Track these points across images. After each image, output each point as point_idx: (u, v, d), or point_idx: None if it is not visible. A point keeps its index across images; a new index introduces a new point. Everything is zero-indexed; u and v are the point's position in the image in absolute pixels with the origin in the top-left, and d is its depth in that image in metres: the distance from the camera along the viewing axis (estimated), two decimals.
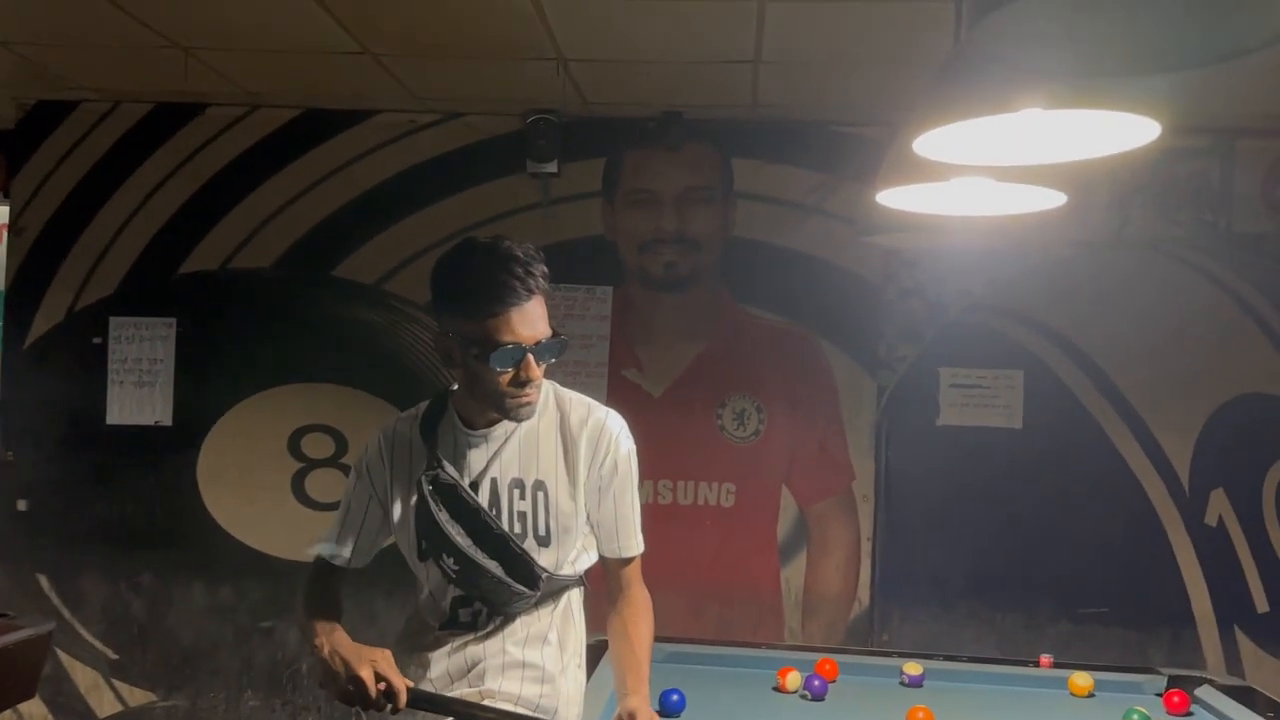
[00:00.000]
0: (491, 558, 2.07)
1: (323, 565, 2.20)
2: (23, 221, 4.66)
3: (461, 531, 2.06)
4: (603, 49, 3.75)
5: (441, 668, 2.13)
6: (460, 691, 2.10)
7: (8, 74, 4.26)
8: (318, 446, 4.58)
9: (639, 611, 2.18)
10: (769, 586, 4.51)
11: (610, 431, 2.15)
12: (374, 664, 1.95)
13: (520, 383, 1.99)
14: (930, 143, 1.88)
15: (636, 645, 2.13)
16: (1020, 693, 3.00)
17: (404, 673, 2.06)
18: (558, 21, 3.47)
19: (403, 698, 1.96)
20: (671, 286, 4.58)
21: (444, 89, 4.28)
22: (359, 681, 1.94)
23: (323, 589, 2.17)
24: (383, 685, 1.95)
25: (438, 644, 2.15)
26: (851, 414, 4.51)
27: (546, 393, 2.13)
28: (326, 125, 4.61)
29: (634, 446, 2.19)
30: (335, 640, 2.01)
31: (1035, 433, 4.48)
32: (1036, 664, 3.17)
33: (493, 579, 2.07)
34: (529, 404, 2.04)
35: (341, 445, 4.56)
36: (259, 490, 4.58)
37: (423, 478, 2.08)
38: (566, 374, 2.18)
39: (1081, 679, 3.00)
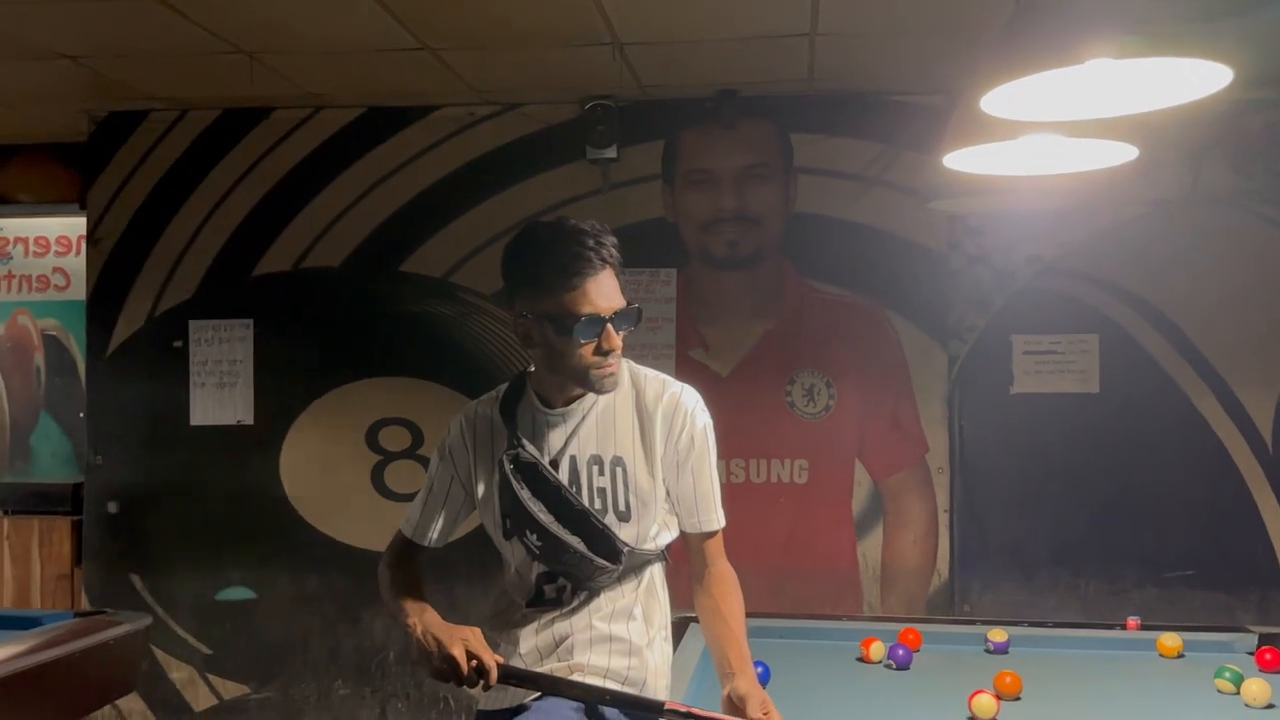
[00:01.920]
0: (574, 534, 2.10)
1: (405, 544, 2.25)
2: (100, 232, 4.79)
3: (544, 508, 2.10)
4: (657, 30, 3.76)
5: (531, 644, 2.17)
6: (550, 667, 2.13)
7: (79, 88, 4.38)
8: (395, 439, 4.66)
9: (728, 588, 2.18)
10: (846, 562, 4.50)
11: (685, 406, 2.16)
12: (465, 642, 2.01)
13: (603, 352, 2.03)
14: (997, 100, 1.87)
15: (732, 622, 2.14)
16: (1109, 656, 2.97)
17: (495, 650, 2.10)
18: (612, 5, 3.48)
19: (494, 674, 2.01)
20: (735, 265, 4.58)
21: (502, 80, 4.32)
22: (452, 660, 1.99)
23: (408, 568, 2.23)
24: (474, 663, 2.00)
25: (526, 621, 2.19)
26: (923, 385, 4.48)
27: (622, 370, 2.15)
28: (389, 123, 4.68)
29: (710, 420, 2.20)
30: (427, 620, 2.06)
31: (1113, 396, 4.42)
32: (1124, 627, 3.13)
33: (575, 554, 2.10)
34: (612, 374, 2.07)
35: (418, 437, 4.64)
36: (340, 484, 4.67)
37: (504, 457, 2.12)
38: (634, 357, 2.20)
39: (1171, 640, 2.96)
